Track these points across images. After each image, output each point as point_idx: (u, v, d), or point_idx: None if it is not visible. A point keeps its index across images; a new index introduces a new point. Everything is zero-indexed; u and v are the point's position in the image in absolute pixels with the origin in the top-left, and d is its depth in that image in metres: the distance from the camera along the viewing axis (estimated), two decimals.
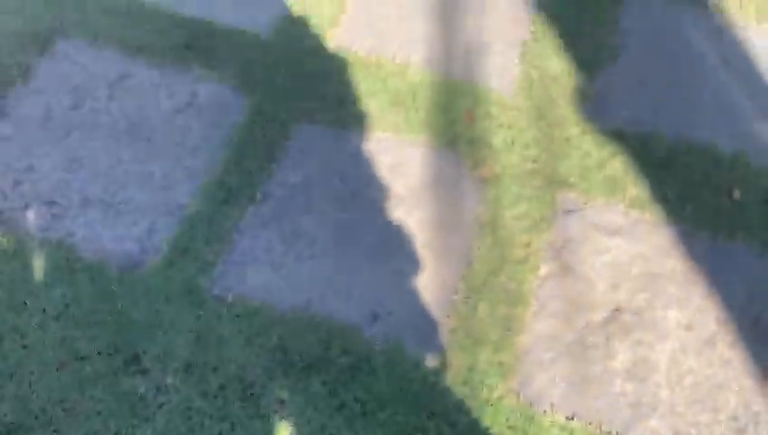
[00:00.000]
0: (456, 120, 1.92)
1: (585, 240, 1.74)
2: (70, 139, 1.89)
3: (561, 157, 1.85)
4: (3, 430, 1.46)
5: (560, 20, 2.08)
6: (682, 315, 1.62)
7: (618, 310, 1.63)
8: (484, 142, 1.88)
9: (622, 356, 1.56)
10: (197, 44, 2.07)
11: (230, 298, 1.65)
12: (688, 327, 1.60)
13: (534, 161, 1.85)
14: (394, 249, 1.74)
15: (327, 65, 2.03)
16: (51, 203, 1.78)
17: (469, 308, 1.63)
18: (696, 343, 1.58)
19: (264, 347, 1.57)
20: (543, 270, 1.68)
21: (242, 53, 2.06)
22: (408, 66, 2.01)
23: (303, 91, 1.98)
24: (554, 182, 1.82)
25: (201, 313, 1.62)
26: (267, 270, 1.70)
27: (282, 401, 1.50)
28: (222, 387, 1.52)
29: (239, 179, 1.84)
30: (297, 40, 2.09)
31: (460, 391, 1.51)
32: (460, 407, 1.50)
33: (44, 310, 1.61)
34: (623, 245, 1.72)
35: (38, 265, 1.70)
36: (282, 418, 1.49)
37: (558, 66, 1.99)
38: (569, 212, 1.77)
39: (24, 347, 1.55)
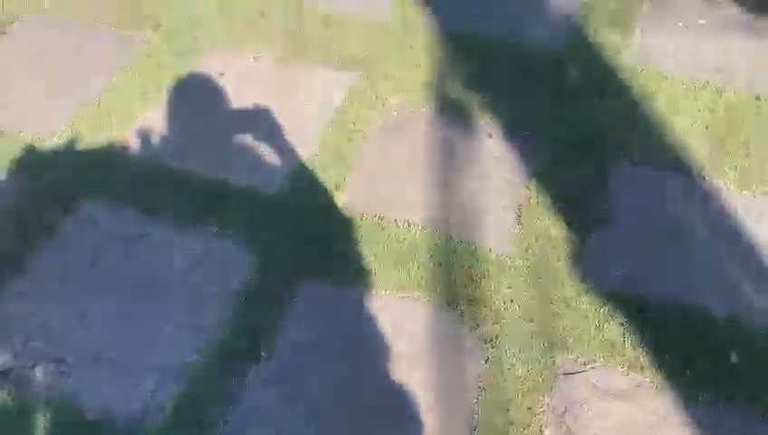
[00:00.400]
0: (456, 280, 2.00)
1: (587, 404, 1.74)
2: (84, 296, 1.96)
3: (560, 317, 1.90)
4: None
5: (552, 184, 2.21)
6: None
7: None
8: (483, 302, 1.94)
9: None
10: (212, 204, 2.20)
11: None
12: None
13: (533, 322, 1.89)
14: (396, 412, 1.74)
15: (333, 225, 2.14)
16: (59, 361, 1.81)
17: None
18: None
19: None
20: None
21: (253, 211, 2.19)
22: (410, 227, 2.12)
23: (310, 250, 2.07)
24: (554, 343, 1.85)
25: None
26: (270, 432, 1.70)
27: None
28: None
29: (245, 337, 1.88)
30: (306, 200, 2.22)
31: None
32: None
33: None
34: (625, 409, 1.72)
35: (42, 424, 1.70)
36: None
37: (553, 228, 2.10)
38: (569, 374, 1.79)
39: None
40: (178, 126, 2.44)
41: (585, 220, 2.12)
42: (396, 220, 2.13)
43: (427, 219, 2.14)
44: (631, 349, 1.82)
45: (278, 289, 1.99)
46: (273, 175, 2.28)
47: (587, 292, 1.94)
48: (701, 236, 2.06)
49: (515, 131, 2.37)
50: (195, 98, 2.54)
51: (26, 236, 2.11)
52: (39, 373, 1.80)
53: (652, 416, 1.70)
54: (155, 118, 2.46)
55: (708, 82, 2.48)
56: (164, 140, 2.39)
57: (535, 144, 2.34)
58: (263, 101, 2.50)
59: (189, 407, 1.74)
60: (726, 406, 1.72)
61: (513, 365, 1.81)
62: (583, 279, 1.97)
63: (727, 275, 1.97)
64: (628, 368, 1.79)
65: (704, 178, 2.20)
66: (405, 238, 2.09)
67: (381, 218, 2.14)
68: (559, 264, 2.01)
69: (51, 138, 2.38)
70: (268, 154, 2.34)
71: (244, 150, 2.35)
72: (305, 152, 2.33)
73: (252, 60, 2.66)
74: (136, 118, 2.45)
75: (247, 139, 2.39)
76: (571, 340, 1.85)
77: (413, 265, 2.02)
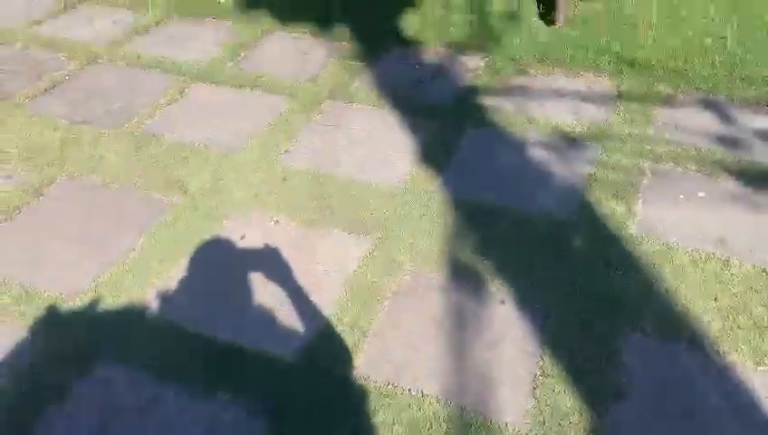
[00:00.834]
0: None
1: None
2: None
3: None
4: None
5: (566, 354, 2.22)
6: None
7: None
8: None
9: None
10: (226, 369, 2.20)
11: None
12: None
13: None
14: None
15: (346, 394, 2.12)
16: None
17: None
18: None
19: None
20: None
21: (267, 378, 2.18)
22: (423, 398, 2.10)
23: (323, 421, 2.04)
24: None
25: None
26: None
27: None
28: None
29: None
30: (321, 365, 2.22)
31: None
32: None
33: None
34: None
35: None
36: None
37: (569, 402, 2.07)
38: None
39: None
40: (197, 288, 2.51)
41: (600, 394, 2.09)
42: (409, 389, 2.12)
43: (441, 390, 2.12)
44: None
45: None
46: (289, 340, 2.30)
47: None
48: (718, 415, 2.02)
49: (527, 299, 2.42)
50: (215, 260, 2.64)
51: (37, 400, 2.10)
52: None
53: None
54: (175, 279, 2.54)
55: (713, 254, 2.55)
56: (183, 301, 2.45)
57: (547, 312, 2.37)
58: (281, 265, 2.58)
59: None
60: None
61: None
62: None
63: None
64: None
65: (718, 352, 2.20)
66: (419, 409, 2.06)
67: (395, 386, 2.13)
68: None
69: (74, 298, 2.45)
70: (285, 318, 2.38)
71: (262, 314, 2.40)
72: (321, 316, 2.37)
73: (272, 223, 2.79)
74: (157, 278, 2.53)
75: (265, 302, 2.44)
76: None
77: None
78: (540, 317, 2.36)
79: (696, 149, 3.12)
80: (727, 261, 2.52)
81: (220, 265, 2.61)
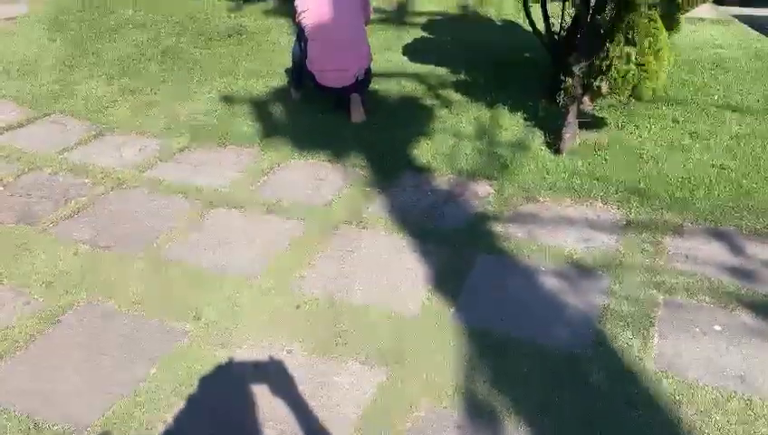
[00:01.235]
0: None
1: None
2: None
3: None
4: None
5: None
6: None
7: None
8: None
9: None
10: None
11: None
12: None
13: None
14: None
15: None
16: None
17: None
18: None
19: None
20: None
21: None
22: None
23: None
24: None
25: None
26: None
27: None
28: None
29: None
30: None
31: None
32: None
33: None
34: None
35: None
36: None
37: None
38: None
39: None
40: (207, 422, 2.46)
41: None
42: None
43: None
44: None
45: None
46: None
47: None
48: None
49: None
50: (226, 393, 2.60)
51: None
52: None
53: None
54: (186, 412, 2.49)
55: (735, 393, 2.49)
56: None
57: None
58: (294, 397, 2.54)
59: None
60: None
61: None
62: None
63: None
64: None
65: None
66: None
67: None
68: None
69: (82, 432, 2.40)
70: None
71: None
72: None
73: (285, 353, 2.78)
74: (167, 412, 2.49)
75: (278, 433, 2.39)
76: None
77: None
78: None
79: (708, 280, 3.13)
80: (750, 401, 2.46)
81: (231, 399, 2.57)
